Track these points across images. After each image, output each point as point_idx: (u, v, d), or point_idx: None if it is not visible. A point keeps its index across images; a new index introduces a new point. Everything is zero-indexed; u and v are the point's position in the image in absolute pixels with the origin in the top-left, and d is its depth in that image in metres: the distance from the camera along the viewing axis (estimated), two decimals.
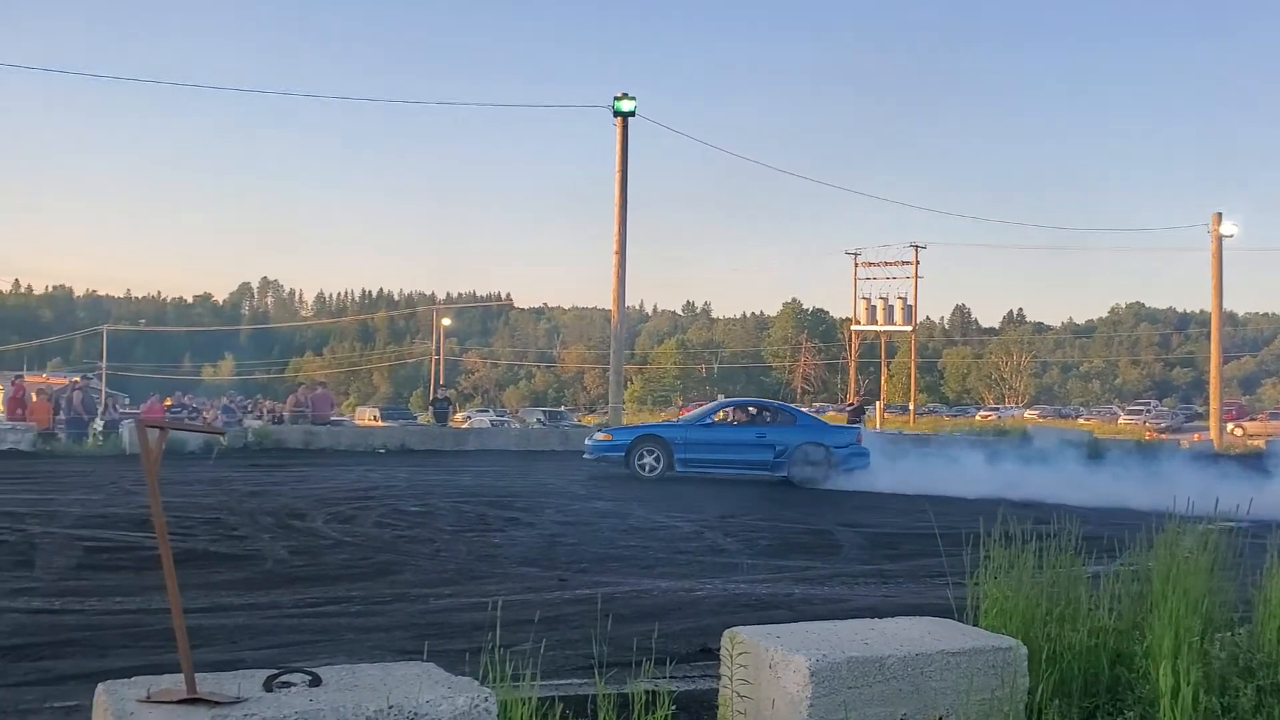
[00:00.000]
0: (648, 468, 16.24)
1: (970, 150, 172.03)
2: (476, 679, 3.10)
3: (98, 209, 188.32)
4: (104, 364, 77.60)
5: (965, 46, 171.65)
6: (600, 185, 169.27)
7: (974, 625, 4.01)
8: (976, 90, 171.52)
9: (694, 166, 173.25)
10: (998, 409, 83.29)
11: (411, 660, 3.47)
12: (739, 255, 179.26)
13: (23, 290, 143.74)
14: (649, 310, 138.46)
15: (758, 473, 16.63)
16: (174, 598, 3.02)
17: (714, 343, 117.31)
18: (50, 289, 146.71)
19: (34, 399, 22.23)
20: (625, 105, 26.09)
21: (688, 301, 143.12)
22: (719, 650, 3.75)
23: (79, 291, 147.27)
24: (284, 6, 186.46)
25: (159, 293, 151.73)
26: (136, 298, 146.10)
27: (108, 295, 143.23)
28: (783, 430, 17.02)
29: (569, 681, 4.45)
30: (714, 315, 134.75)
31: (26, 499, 10.79)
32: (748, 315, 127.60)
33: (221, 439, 19.23)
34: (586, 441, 18.12)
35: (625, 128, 26.32)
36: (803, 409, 27.03)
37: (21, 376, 26.97)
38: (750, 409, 18.47)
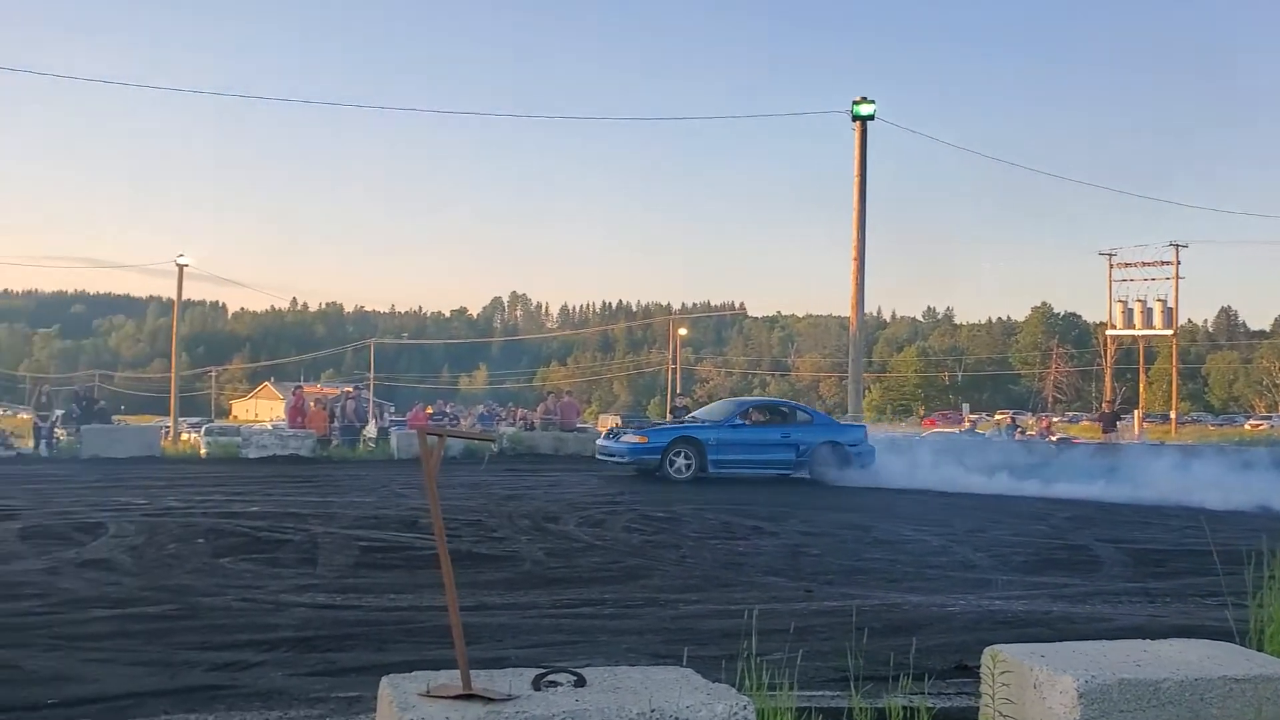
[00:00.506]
0: (680, 470, 16.13)
1: (1236, 143, 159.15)
2: (732, 686, 3.14)
3: (366, 232, 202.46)
4: (371, 375, 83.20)
5: (1228, 29, 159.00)
6: (835, 191, 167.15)
7: (1258, 650, 3.72)
8: (1240, 78, 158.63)
9: (934, 169, 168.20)
10: (1269, 417, 76.43)
11: (666, 664, 3.55)
12: (983, 258, 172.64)
13: (299, 308, 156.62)
14: (887, 317, 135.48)
15: (782, 472, 16.90)
16: (451, 599, 3.21)
17: (957, 349, 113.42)
18: (324, 306, 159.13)
19: (312, 408, 24.04)
20: (864, 109, 25.74)
21: (928, 307, 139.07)
22: (977, 668, 3.64)
23: (349, 308, 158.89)
24: (525, 30, 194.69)
25: (420, 307, 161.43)
26: (400, 313, 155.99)
27: (374, 311, 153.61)
28: (803, 429, 17.52)
29: (821, 693, 4.42)
30: (956, 321, 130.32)
31: (308, 501, 11.70)
32: (993, 320, 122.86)
33: (493, 445, 20.26)
34: (602, 442, 17.91)
35: (864, 132, 25.94)
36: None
37: (301, 387, 29.24)
38: (770, 409, 18.83)
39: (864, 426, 20.02)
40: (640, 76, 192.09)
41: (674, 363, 75.09)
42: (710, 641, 5.38)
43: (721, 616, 6.17)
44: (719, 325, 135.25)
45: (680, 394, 54.96)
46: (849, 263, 26.49)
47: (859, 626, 5.34)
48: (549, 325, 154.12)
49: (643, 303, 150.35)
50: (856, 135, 25.99)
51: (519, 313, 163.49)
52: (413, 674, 3.19)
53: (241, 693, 4.42)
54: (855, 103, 25.83)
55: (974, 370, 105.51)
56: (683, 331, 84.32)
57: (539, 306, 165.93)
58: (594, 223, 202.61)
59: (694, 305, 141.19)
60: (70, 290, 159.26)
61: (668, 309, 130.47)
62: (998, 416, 53.94)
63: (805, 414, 19.02)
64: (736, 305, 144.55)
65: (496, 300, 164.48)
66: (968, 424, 49.36)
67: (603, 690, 2.99)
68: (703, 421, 17.71)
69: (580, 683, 3.04)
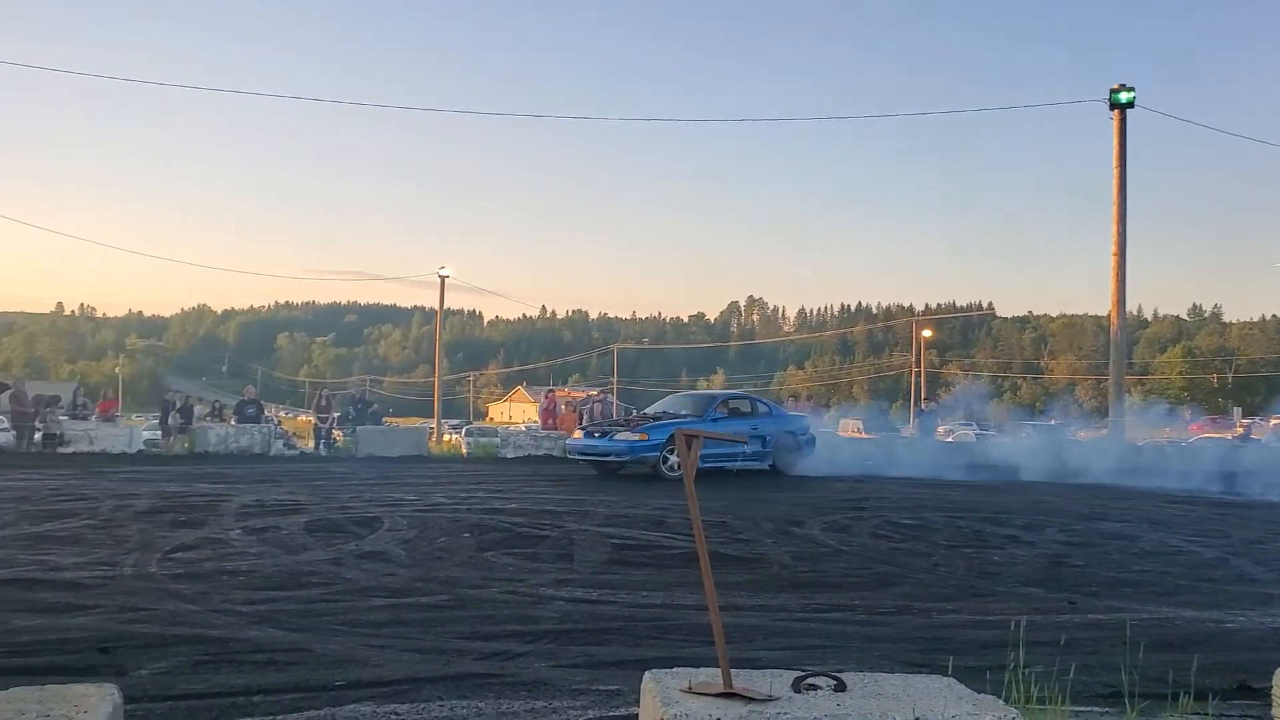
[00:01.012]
0: (674, 467, 15.49)
1: None
2: (998, 698, 3.04)
3: (609, 240, 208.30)
4: (615, 379, 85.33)
5: None
6: (1091, 185, 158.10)
7: None
8: None
9: (1197, 158, 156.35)
10: None
11: (922, 673, 3.48)
12: (1254, 252, 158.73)
13: (548, 315, 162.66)
14: (1148, 315, 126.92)
15: (753, 464, 16.78)
16: (711, 598, 3.26)
17: (1226, 350, 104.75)
18: (570, 313, 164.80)
19: (563, 410, 24.95)
20: (1123, 96, 24.28)
21: (1194, 305, 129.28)
22: (1264, 689, 3.38)
23: (593, 315, 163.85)
24: (771, 34, 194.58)
25: (659, 313, 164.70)
26: (641, 319, 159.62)
27: (617, 317, 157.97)
28: (767, 421, 17.77)
29: (1091, 709, 4.21)
30: (1225, 319, 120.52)
31: (562, 499, 12.15)
32: (1267, 318, 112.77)
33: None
34: (587, 441, 16.81)
35: (1123, 120, 24.50)
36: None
37: (553, 390, 30.42)
38: (738, 402, 18.64)
39: (806, 416, 20.38)
40: (889, 75, 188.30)
41: (918, 366, 73.05)
42: (966, 652, 5.22)
43: (979, 627, 5.99)
44: (965, 326, 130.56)
45: (927, 398, 53.42)
46: (1108, 259, 25.07)
47: (1127, 641, 5.05)
48: (786, 329, 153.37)
49: (883, 304, 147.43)
50: (1115, 124, 24.57)
51: (755, 317, 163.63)
52: (674, 670, 3.25)
53: (508, 681, 4.65)
54: (1113, 90, 24.42)
55: (1246, 372, 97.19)
56: (927, 333, 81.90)
57: (776, 310, 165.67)
58: (831, 225, 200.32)
59: (938, 306, 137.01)
60: (344, 301, 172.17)
61: (910, 310, 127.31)
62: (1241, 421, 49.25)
63: (764, 405, 18.99)
64: (984, 305, 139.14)
65: (733, 305, 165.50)
66: (1240, 430, 45.34)
67: (864, 695, 2.96)
68: (683, 416, 17.28)
69: (840, 687, 3.02)
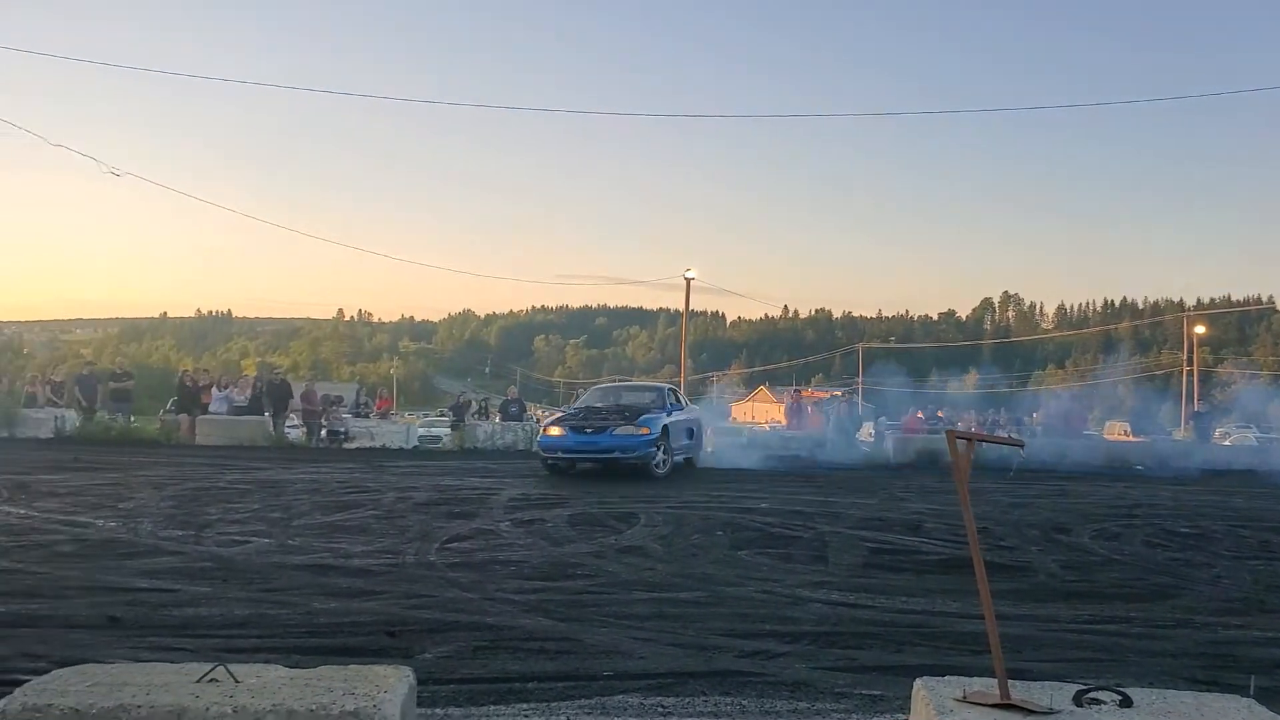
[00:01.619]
0: (661, 464, 15.14)
1: None
2: None
3: (851, 239, 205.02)
4: (860, 379, 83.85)
5: None
6: None
7: None
8: None
9: None
10: None
11: (1213, 691, 3.28)
12: None
13: (790, 315, 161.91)
14: None
15: (689, 456, 16.88)
16: (987, 606, 3.20)
17: None
18: (813, 313, 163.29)
19: (809, 411, 24.84)
20: None
21: None
22: None
23: (837, 314, 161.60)
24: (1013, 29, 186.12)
25: (906, 311, 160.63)
26: (887, 317, 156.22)
27: (861, 316, 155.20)
28: (695, 413, 18.06)
29: None
30: None
31: (812, 500, 12.10)
32: None
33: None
34: (583, 437, 15.23)
35: None
36: None
37: (799, 390, 30.31)
38: (678, 394, 18.11)
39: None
40: (1161, 57, 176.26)
41: (1190, 364, 67.90)
42: (1259, 671, 4.85)
43: (1270, 645, 5.55)
44: (1242, 322, 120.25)
45: (1202, 399, 49.61)
46: None
47: None
48: (1044, 326, 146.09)
49: (1150, 299, 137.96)
50: None
51: (1011, 314, 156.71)
52: (945, 678, 3.21)
53: (769, 681, 4.70)
54: None
55: None
56: (1200, 329, 76.01)
57: (1033, 307, 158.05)
58: (1091, 217, 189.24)
59: (1211, 300, 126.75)
60: (594, 305, 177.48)
61: (1180, 305, 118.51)
62: None
63: (686, 397, 18.46)
64: (1263, 299, 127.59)
65: (986, 301, 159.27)
66: None
67: (1152, 713, 2.83)
68: (648, 406, 16.22)
69: (1126, 703, 2.90)
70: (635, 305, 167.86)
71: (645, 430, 15.15)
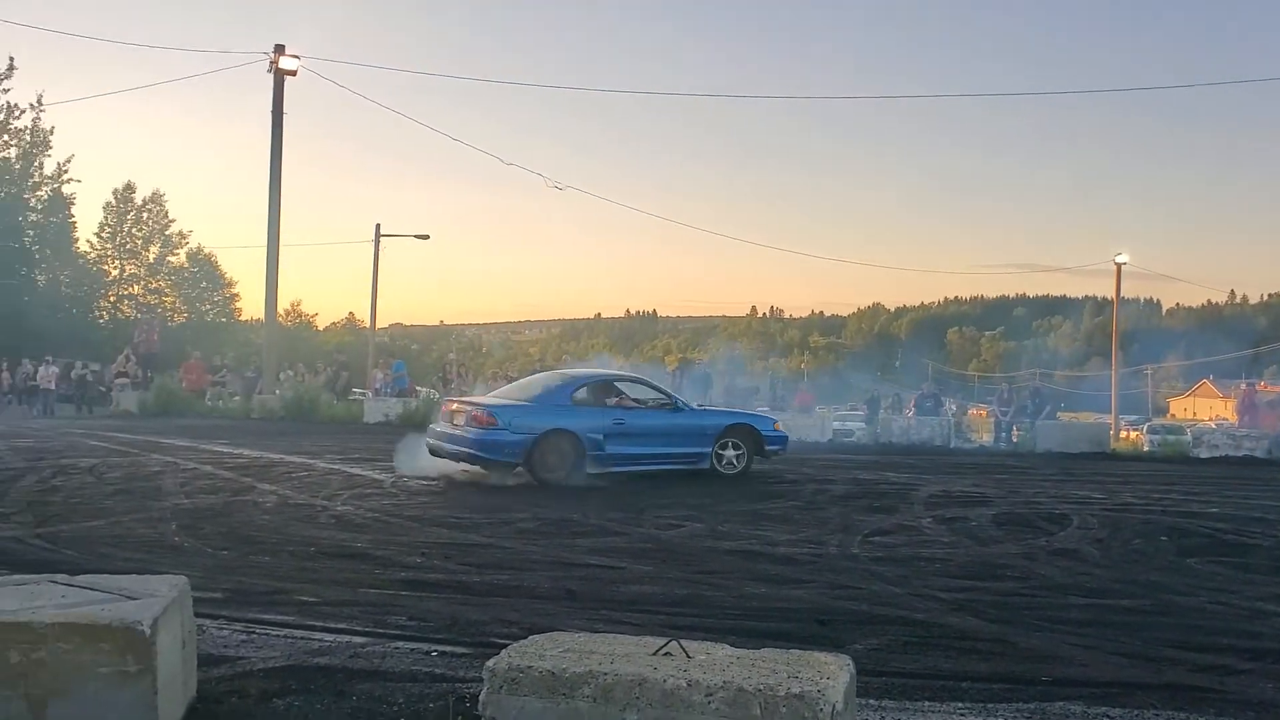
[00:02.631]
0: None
1: None
2: None
3: None
4: None
5: None
6: None
7: None
8: None
9: None
10: None
11: None
12: None
13: (1238, 301, 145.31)
14: None
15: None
16: None
17: None
18: (1265, 298, 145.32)
19: (1264, 408, 22.27)
20: None
21: None
22: None
23: None
24: None
25: None
26: None
27: None
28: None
29: None
30: None
31: (1271, 505, 10.92)
32: None
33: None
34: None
35: None
36: None
37: (1254, 384, 27.16)
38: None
39: None
40: None
41: None
42: None
43: None
44: None
45: None
46: None
47: None
48: None
49: None
50: None
51: None
52: None
53: (1230, 699, 4.34)
54: None
55: None
56: None
57: None
58: None
59: None
60: (1011, 295, 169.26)
61: None
62: None
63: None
64: None
65: None
66: None
67: None
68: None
69: None
70: (1058, 294, 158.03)
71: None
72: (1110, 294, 49.10)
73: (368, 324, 45.94)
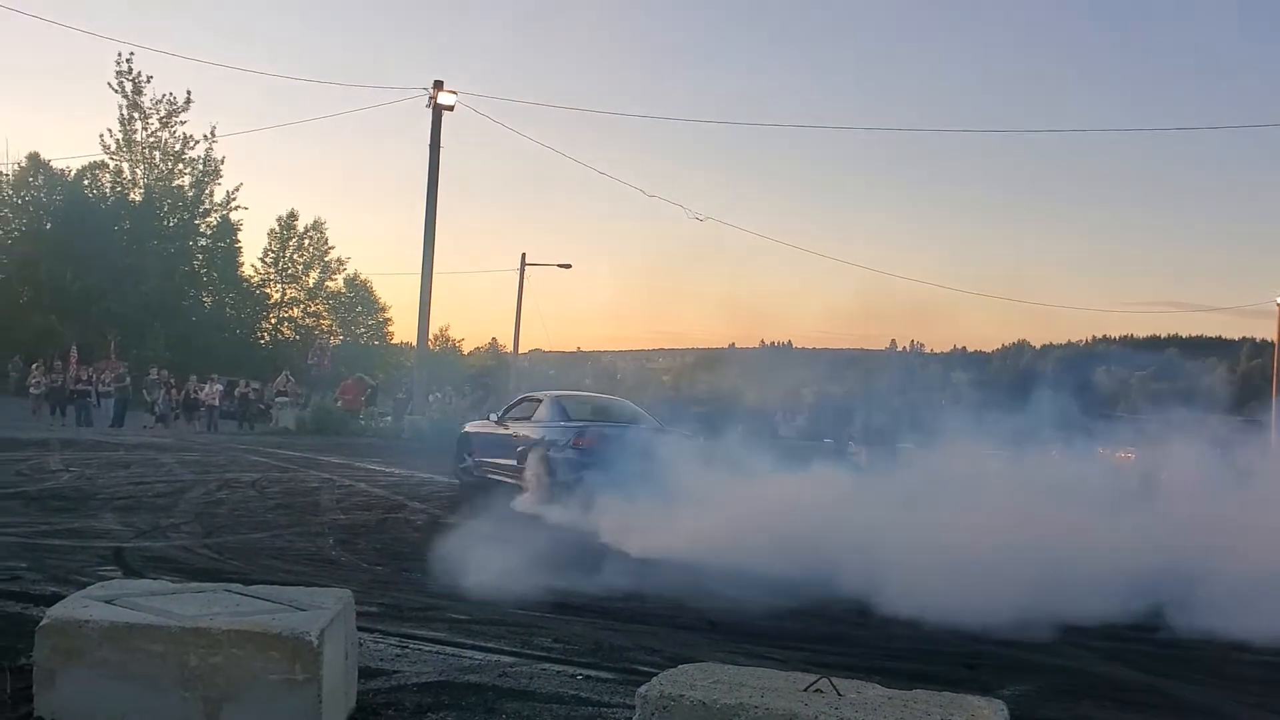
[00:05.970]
0: None
1: None
2: None
3: None
4: None
5: None
6: None
7: None
8: None
9: None
10: None
11: None
12: None
13: None
14: None
15: None
16: None
17: None
18: None
19: None
20: None
21: None
22: None
23: None
24: None
25: None
26: None
27: None
28: None
29: None
30: None
31: None
32: None
33: None
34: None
35: None
36: None
37: None
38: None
39: None
40: None
41: None
42: None
43: None
44: None
45: None
46: None
47: None
48: None
49: None
50: None
51: None
52: None
53: None
54: None
55: None
56: None
57: None
58: None
59: None
60: (1163, 334, 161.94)
61: None
62: None
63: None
64: None
65: None
66: None
67: None
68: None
69: None
70: (1211, 334, 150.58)
71: None
72: (1271, 335, 46.64)
73: (510, 349, 46.87)
